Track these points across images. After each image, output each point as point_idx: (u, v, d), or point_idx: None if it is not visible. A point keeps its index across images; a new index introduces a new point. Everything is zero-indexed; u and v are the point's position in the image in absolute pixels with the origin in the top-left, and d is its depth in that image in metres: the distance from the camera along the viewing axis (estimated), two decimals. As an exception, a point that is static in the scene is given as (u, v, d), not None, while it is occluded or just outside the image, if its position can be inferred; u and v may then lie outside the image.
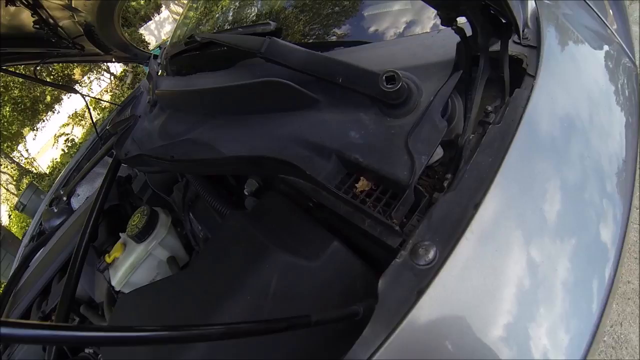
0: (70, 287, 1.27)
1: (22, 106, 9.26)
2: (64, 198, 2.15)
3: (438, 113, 0.79)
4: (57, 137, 10.89)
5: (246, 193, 1.00)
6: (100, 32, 1.97)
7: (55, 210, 2.10)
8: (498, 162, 0.64)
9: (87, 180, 2.24)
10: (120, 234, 1.35)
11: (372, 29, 1.15)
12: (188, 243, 1.32)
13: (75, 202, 2.22)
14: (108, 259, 1.30)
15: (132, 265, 1.25)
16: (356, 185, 0.77)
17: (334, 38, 1.18)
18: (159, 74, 1.77)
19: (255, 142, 0.95)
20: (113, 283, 1.29)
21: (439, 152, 0.81)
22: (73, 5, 1.72)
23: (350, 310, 0.60)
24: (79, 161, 2.87)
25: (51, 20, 1.74)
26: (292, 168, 0.79)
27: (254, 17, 1.54)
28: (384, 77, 0.76)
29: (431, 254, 0.58)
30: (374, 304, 0.57)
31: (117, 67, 11.50)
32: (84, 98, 2.14)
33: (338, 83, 0.85)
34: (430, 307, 0.55)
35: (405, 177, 0.71)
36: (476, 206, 0.60)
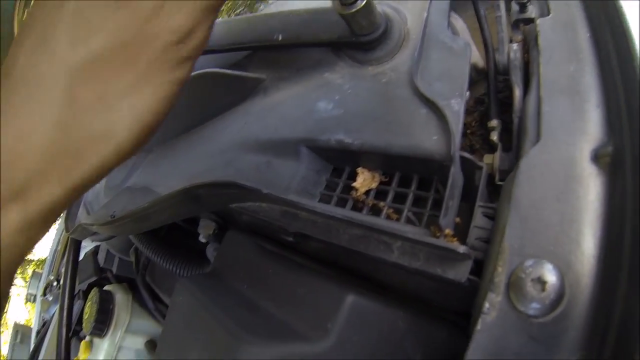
0: None
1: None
2: (54, 283, 1.91)
3: (445, 29, 0.49)
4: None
5: (202, 240, 0.70)
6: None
7: (50, 299, 1.88)
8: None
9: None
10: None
11: None
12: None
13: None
14: (76, 366, 1.01)
15: (105, 367, 0.95)
16: (353, 185, 0.47)
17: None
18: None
19: (192, 167, 0.65)
20: (90, 394, 1.00)
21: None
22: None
23: None
24: (58, 240, 2.62)
25: None
26: (239, 190, 0.49)
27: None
28: (340, 3, 0.46)
29: (551, 284, 0.28)
30: None
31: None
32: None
33: (277, 44, 0.55)
34: None
35: (439, 146, 0.41)
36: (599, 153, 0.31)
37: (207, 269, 0.74)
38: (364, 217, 0.44)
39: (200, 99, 0.66)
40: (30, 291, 3.49)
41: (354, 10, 0.45)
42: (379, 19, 0.49)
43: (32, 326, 2.42)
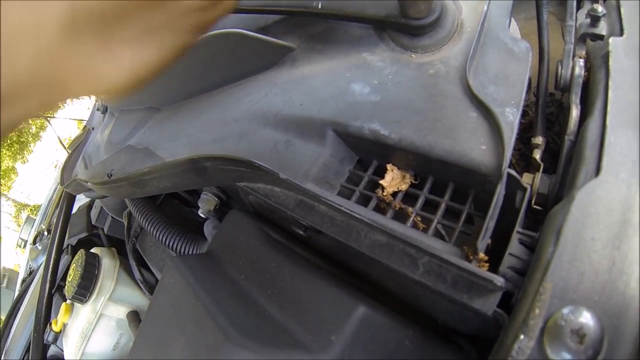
0: (38, 348, 0.97)
1: (9, 141, 8.98)
2: (45, 233, 1.89)
3: (506, 28, 0.44)
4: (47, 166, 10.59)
5: (201, 215, 0.63)
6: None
7: (39, 247, 1.86)
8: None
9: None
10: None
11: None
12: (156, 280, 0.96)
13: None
14: (55, 327, 0.96)
15: (83, 333, 0.90)
16: (381, 183, 0.40)
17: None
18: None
19: (201, 133, 0.58)
20: (66, 357, 0.95)
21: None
22: None
23: None
24: (55, 189, 2.58)
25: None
26: (253, 170, 0.42)
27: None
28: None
29: (591, 337, 0.25)
30: None
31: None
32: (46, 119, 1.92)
33: (316, 12, 0.49)
34: None
35: (487, 158, 0.35)
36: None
37: (202, 247, 0.68)
38: (389, 222, 0.38)
39: (221, 61, 0.59)
40: (22, 236, 3.49)
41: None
42: (434, 7, 0.43)
43: (18, 272, 2.40)
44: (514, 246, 0.34)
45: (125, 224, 0.95)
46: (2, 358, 1.38)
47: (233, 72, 0.59)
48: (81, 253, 0.93)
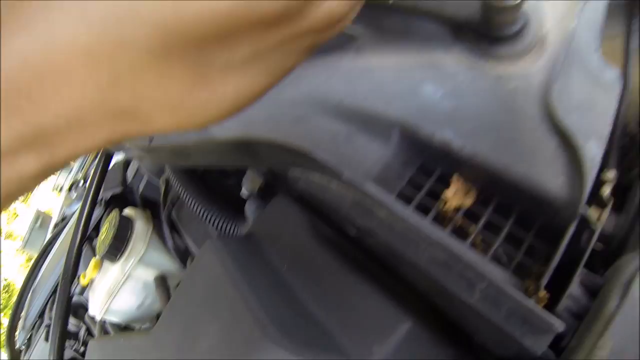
0: (64, 295, 0.95)
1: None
2: (81, 182, 1.89)
3: (595, 51, 0.40)
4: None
5: (244, 194, 0.61)
6: None
7: (74, 196, 1.87)
8: None
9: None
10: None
11: None
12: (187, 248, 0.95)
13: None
14: (83, 281, 0.97)
15: (109, 291, 0.91)
16: (445, 194, 0.38)
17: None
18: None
19: (254, 110, 0.55)
20: (91, 312, 0.97)
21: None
22: None
23: None
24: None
25: None
26: (306, 159, 0.40)
27: None
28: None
29: None
30: None
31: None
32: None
33: (388, 4, 0.46)
34: None
35: (564, 192, 0.33)
36: None
37: (242, 226, 0.66)
38: (448, 238, 0.36)
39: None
40: (58, 182, 3.59)
41: (508, 4, 0.36)
42: (519, 17, 0.40)
43: (52, 216, 2.46)
44: (575, 287, 0.31)
45: (162, 189, 0.94)
46: (30, 295, 1.42)
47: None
48: (115, 213, 0.93)
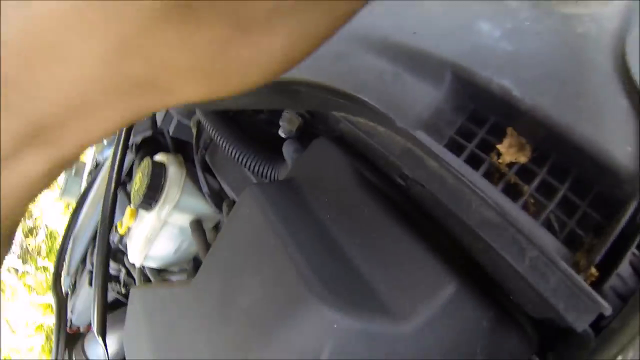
0: (104, 242, 0.97)
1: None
2: None
3: None
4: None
5: (282, 135, 0.57)
6: None
7: (105, 142, 1.77)
8: None
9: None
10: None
11: None
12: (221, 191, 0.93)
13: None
14: (120, 230, 0.99)
15: (147, 238, 0.92)
16: (498, 147, 0.35)
17: None
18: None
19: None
20: (130, 259, 1.00)
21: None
22: None
23: None
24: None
25: None
26: (352, 102, 0.36)
27: None
28: None
29: None
30: None
31: None
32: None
33: None
34: None
35: (631, 163, 0.30)
36: None
37: (280, 169, 0.63)
38: (500, 197, 0.33)
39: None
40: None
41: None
42: None
43: (85, 163, 2.50)
44: (624, 267, 0.29)
45: (194, 132, 0.92)
46: (71, 242, 1.47)
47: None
48: (147, 161, 0.92)
